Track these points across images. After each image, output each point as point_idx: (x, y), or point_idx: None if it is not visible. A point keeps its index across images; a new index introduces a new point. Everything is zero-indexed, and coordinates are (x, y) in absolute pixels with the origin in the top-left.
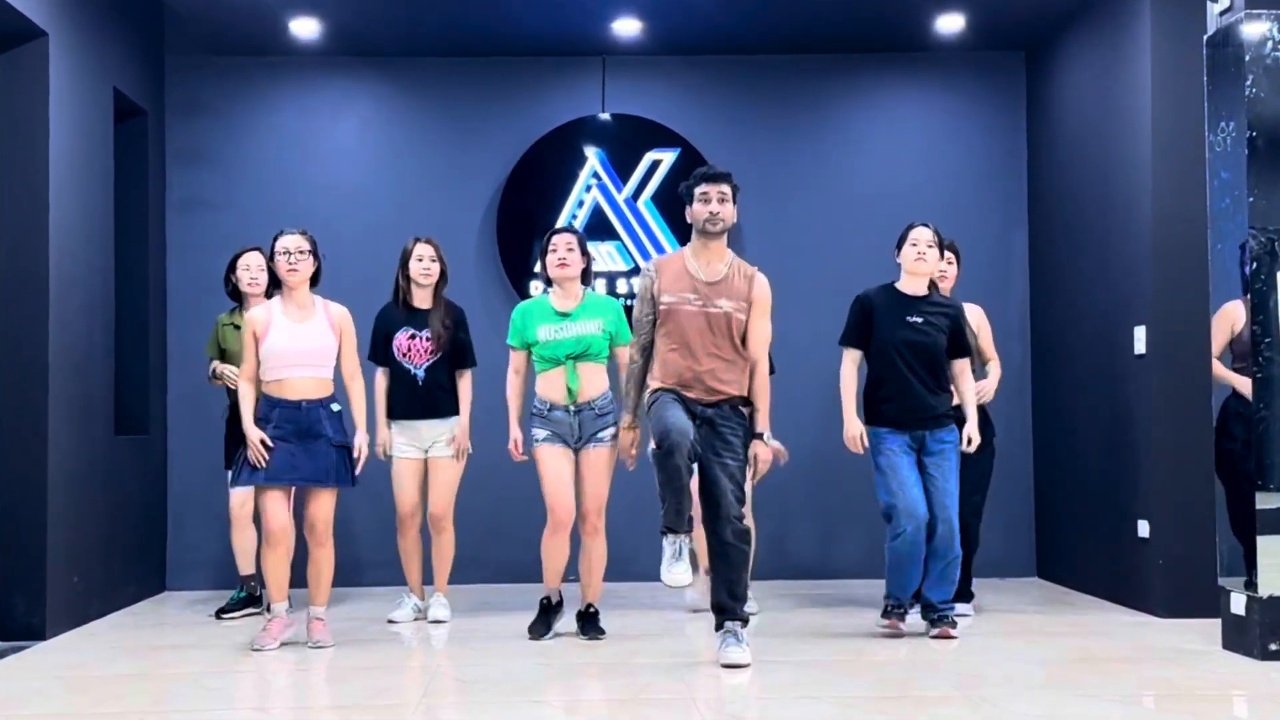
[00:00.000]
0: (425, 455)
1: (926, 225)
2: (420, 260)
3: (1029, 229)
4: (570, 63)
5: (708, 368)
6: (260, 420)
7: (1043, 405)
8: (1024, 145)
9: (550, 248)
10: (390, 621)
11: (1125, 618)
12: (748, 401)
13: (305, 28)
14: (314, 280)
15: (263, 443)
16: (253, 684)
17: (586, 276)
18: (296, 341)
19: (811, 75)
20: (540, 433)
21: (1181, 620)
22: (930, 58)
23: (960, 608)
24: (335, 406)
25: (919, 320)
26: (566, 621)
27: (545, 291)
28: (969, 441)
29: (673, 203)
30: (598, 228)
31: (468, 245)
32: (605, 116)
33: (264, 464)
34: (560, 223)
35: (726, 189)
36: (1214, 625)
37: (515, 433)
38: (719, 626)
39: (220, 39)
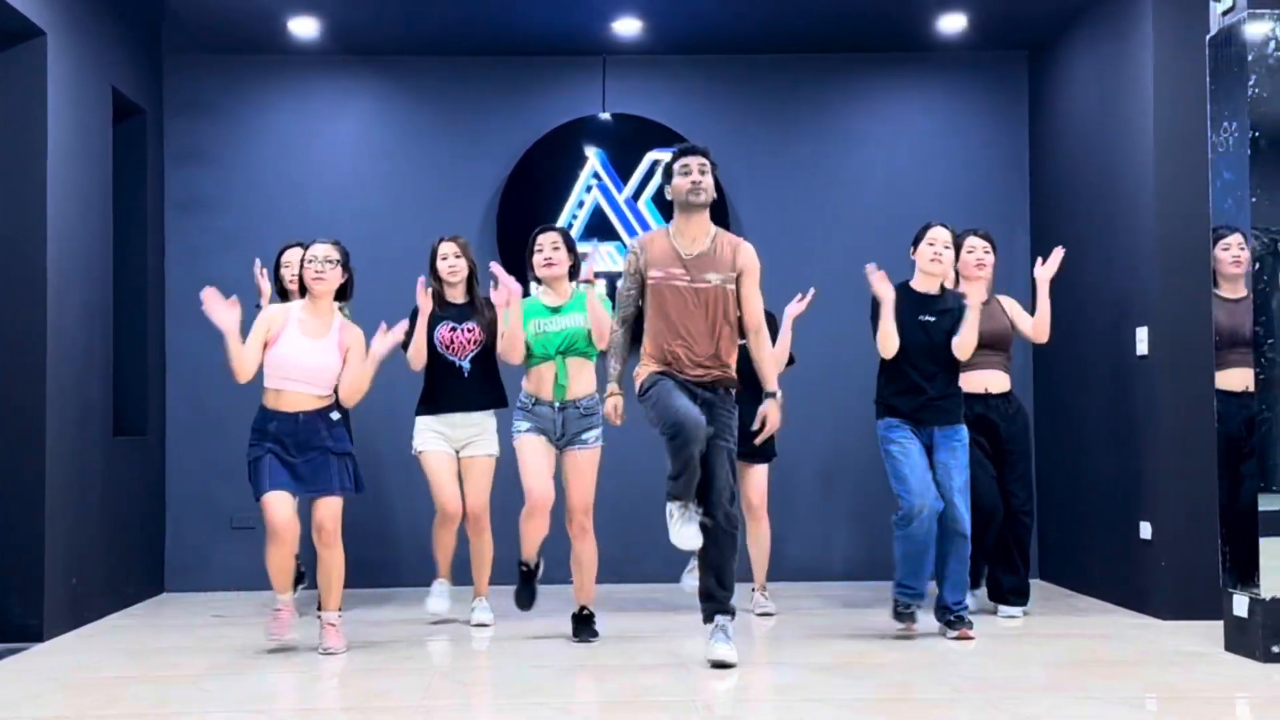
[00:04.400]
0: (458, 454)
1: (944, 225)
2: (445, 259)
3: (1031, 230)
4: (570, 62)
5: (698, 347)
6: (257, 430)
7: (1045, 406)
8: (1026, 145)
9: (536, 248)
10: (433, 613)
11: (1128, 620)
12: (737, 382)
13: (304, 27)
14: (344, 294)
15: (258, 461)
16: (252, 686)
17: (574, 273)
18: (303, 357)
19: (813, 75)
20: (524, 424)
21: (1184, 622)
22: (932, 58)
23: (1013, 609)
24: (335, 415)
25: (932, 320)
26: (560, 624)
27: (536, 292)
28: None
29: (673, 204)
30: (598, 228)
31: (467, 245)
32: (605, 116)
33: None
34: (561, 223)
35: (706, 161)
36: (1216, 628)
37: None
38: (708, 619)
39: (219, 38)
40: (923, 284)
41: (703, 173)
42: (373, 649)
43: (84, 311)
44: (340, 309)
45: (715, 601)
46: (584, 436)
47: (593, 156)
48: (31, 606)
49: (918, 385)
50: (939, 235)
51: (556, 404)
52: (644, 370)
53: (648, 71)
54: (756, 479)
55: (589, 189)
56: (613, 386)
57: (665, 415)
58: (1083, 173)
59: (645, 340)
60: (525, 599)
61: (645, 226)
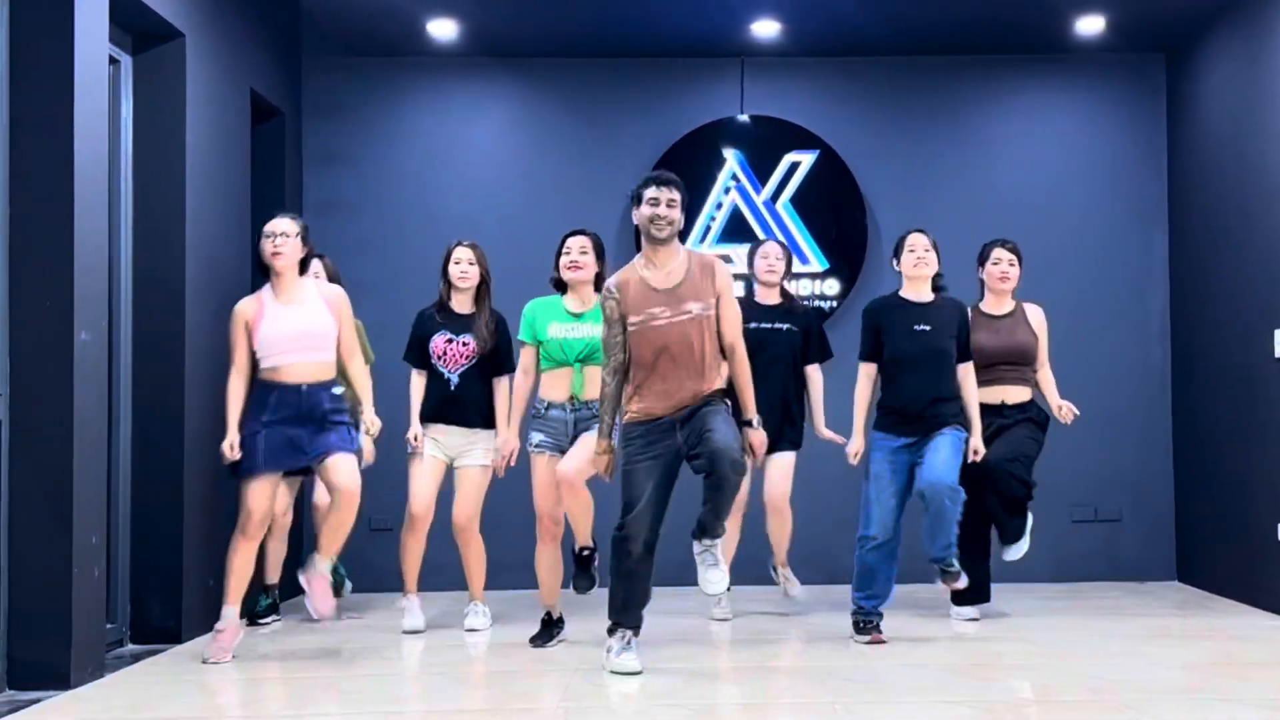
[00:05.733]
0: (450, 461)
1: (923, 231)
2: (458, 264)
3: (1169, 232)
4: (709, 64)
5: (685, 383)
6: (258, 405)
7: (1183, 409)
8: (1164, 148)
9: (564, 249)
10: (409, 632)
11: (1265, 622)
12: (727, 391)
13: (442, 29)
14: (305, 268)
15: (253, 436)
16: (390, 687)
17: (600, 283)
18: (292, 324)
19: (951, 77)
20: (536, 436)
21: None
22: (1070, 60)
23: (968, 611)
24: (338, 389)
25: (927, 328)
26: (690, 627)
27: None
28: (975, 453)
29: (812, 205)
30: (736, 230)
31: (606, 247)
32: (744, 118)
33: (240, 457)
34: (698, 226)
35: (675, 194)
36: None
37: (513, 442)
38: (697, 539)
39: (357, 40)
40: (912, 291)
41: (670, 206)
42: (511, 651)
43: (222, 312)
44: None
45: (709, 532)
46: (594, 428)
47: (731, 158)
48: (170, 608)
49: (909, 396)
50: (918, 241)
51: (568, 405)
52: (629, 411)
53: (786, 73)
54: (779, 471)
55: (727, 190)
56: (603, 443)
57: (623, 491)
58: (1220, 174)
59: (629, 384)
60: (541, 641)
61: (783, 228)
